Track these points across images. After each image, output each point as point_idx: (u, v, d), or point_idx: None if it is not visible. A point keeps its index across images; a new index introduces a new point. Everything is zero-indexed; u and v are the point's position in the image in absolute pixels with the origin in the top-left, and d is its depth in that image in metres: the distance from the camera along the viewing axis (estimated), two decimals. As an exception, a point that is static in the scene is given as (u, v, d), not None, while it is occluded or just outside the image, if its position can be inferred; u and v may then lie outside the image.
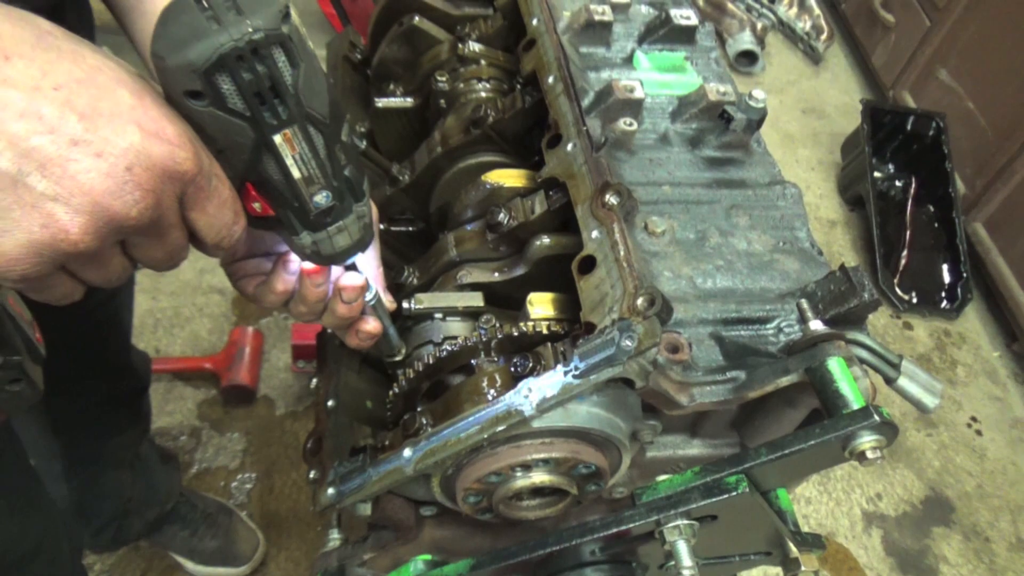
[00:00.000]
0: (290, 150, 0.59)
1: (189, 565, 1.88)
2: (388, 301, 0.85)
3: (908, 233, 2.94)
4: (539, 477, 0.80)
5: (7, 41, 0.48)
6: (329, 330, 0.91)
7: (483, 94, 1.10)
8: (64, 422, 1.39)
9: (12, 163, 0.48)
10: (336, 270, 0.76)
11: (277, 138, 0.58)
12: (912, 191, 3.04)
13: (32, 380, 0.63)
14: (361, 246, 0.72)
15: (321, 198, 0.64)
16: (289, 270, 0.74)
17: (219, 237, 0.61)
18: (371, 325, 0.82)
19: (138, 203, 0.52)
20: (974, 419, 2.58)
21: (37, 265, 0.51)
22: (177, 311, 2.35)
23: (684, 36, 1.12)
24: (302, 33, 0.57)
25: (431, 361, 0.87)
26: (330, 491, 0.85)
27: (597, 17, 1.06)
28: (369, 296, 0.80)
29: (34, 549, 1.07)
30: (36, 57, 0.49)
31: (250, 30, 0.52)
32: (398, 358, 0.93)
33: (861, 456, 0.69)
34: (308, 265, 0.73)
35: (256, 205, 0.63)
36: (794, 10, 3.75)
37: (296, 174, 0.61)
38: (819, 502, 2.29)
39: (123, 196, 0.51)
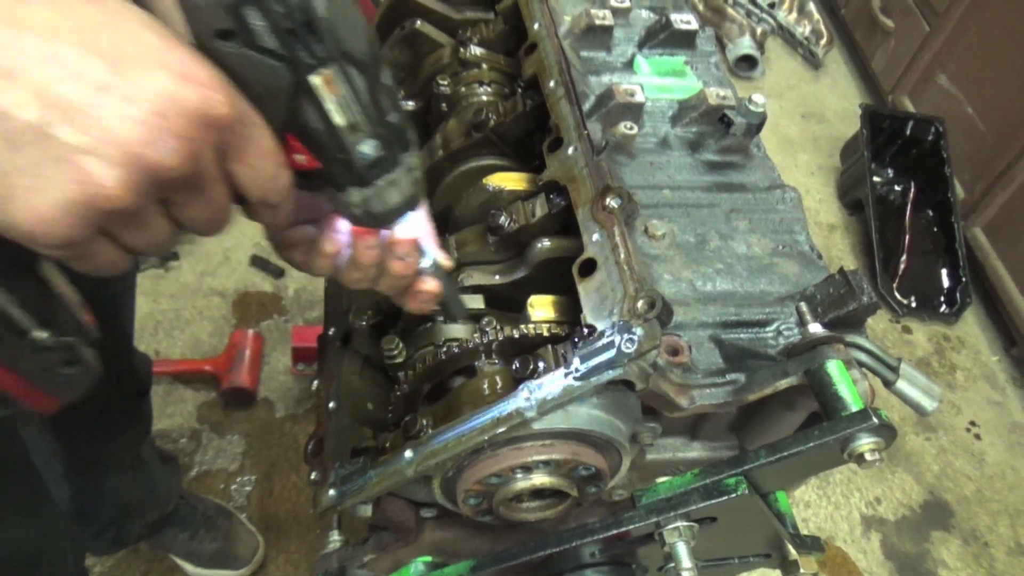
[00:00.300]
0: (330, 93, 0.55)
1: (189, 567, 1.88)
2: (445, 260, 0.80)
3: (907, 237, 2.95)
4: (539, 479, 0.80)
5: None
6: (385, 294, 0.82)
7: (484, 98, 1.11)
8: (65, 424, 1.39)
9: (38, 114, 0.44)
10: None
11: (315, 79, 0.54)
12: (911, 196, 3.04)
13: (87, 362, 0.60)
14: (413, 203, 0.67)
15: (367, 147, 0.59)
16: (337, 229, 0.69)
17: (264, 191, 0.56)
18: (431, 285, 0.77)
19: (175, 152, 0.48)
20: (973, 423, 2.58)
21: (75, 227, 0.47)
22: (178, 314, 2.35)
23: (684, 41, 1.13)
24: None
25: (432, 363, 0.87)
26: (331, 492, 0.86)
27: (598, 22, 1.07)
28: (426, 262, 0.76)
29: (37, 552, 1.07)
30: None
31: None
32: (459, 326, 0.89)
33: (860, 458, 0.70)
34: None
35: (300, 157, 0.58)
36: (794, 15, 3.77)
37: (338, 120, 0.56)
38: (818, 506, 2.29)
39: (158, 144, 0.47)
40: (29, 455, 1.10)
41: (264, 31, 0.51)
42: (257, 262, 2.49)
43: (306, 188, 0.62)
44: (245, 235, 2.55)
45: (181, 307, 2.37)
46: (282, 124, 0.56)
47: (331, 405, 0.96)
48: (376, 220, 0.65)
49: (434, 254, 0.77)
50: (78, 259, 0.51)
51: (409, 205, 0.66)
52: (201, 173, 0.51)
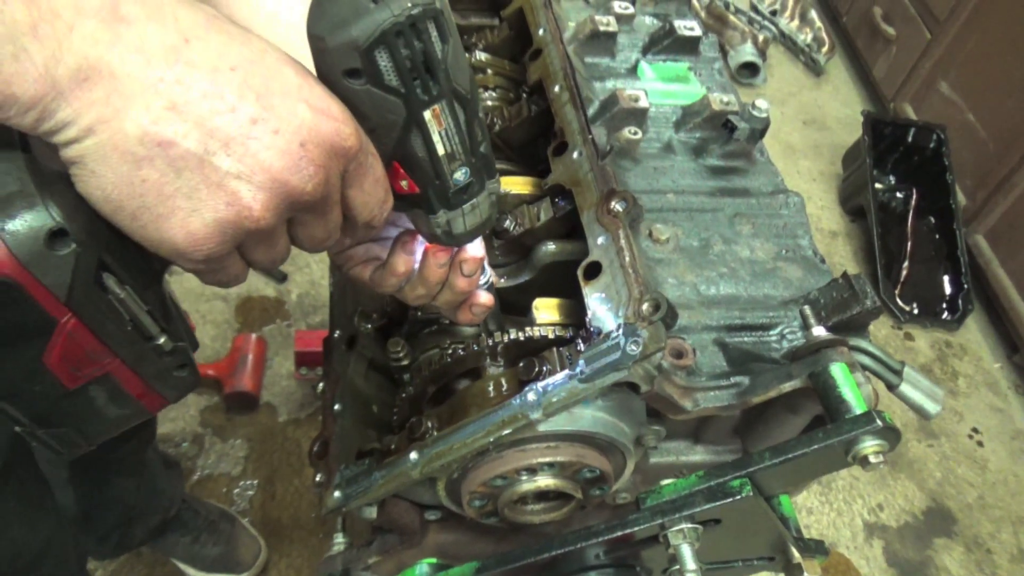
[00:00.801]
0: (437, 126, 0.60)
1: (191, 572, 1.88)
2: (493, 276, 0.84)
3: (909, 244, 2.95)
4: (544, 481, 0.81)
5: (184, 24, 0.50)
6: (428, 307, 0.87)
7: (490, 103, 1.11)
8: None
9: (198, 143, 0.49)
10: None
11: (427, 114, 0.59)
12: (913, 202, 3.05)
13: (194, 367, 0.65)
14: (488, 225, 0.72)
15: (460, 175, 0.64)
16: (409, 251, 0.73)
17: (371, 215, 0.62)
18: (485, 298, 0.81)
19: (312, 178, 0.53)
20: (975, 430, 2.58)
21: (221, 244, 0.53)
22: (181, 318, 2.36)
23: (688, 47, 1.13)
24: (448, 8, 0.58)
25: (437, 365, 0.88)
26: (336, 494, 0.86)
27: (602, 28, 1.08)
28: (483, 279, 0.80)
29: (42, 553, 1.07)
30: (210, 39, 0.50)
31: (409, 5, 0.54)
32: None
33: (864, 461, 0.70)
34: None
35: (403, 183, 0.63)
36: (795, 23, 3.78)
37: (440, 151, 0.61)
38: (821, 512, 2.29)
39: (299, 172, 0.52)
40: (33, 457, 1.11)
41: (389, 71, 0.55)
42: (260, 267, 2.49)
43: (400, 209, 0.66)
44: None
45: (184, 311, 2.38)
46: (391, 153, 0.61)
47: (336, 407, 0.96)
48: (455, 240, 0.70)
49: (487, 270, 0.81)
50: (211, 272, 0.57)
51: (485, 227, 0.71)
52: (328, 197, 0.56)
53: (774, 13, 3.76)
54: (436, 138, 0.60)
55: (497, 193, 0.71)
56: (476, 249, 0.74)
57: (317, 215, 0.58)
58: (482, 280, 0.80)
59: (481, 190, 0.68)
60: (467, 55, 1.12)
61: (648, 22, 1.18)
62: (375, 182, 0.60)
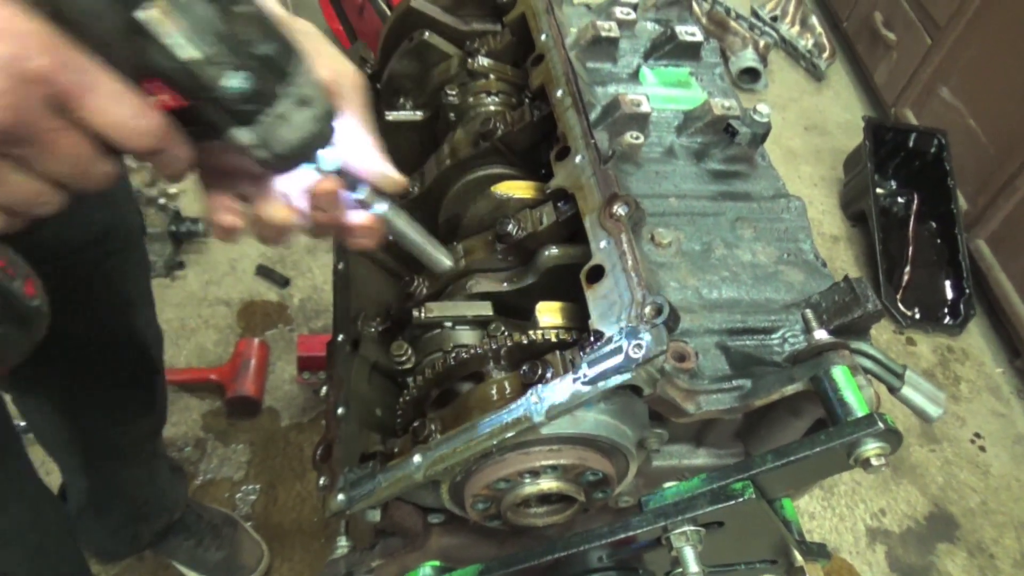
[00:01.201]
0: (170, 27, 0.51)
1: (193, 576, 1.88)
2: (395, 177, 0.73)
3: (911, 249, 2.95)
4: (547, 483, 0.81)
5: None
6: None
7: (492, 108, 1.12)
8: (76, 401, 1.36)
9: None
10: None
11: (144, 15, 0.50)
12: (914, 207, 3.05)
13: (14, 324, 0.59)
14: (320, 140, 0.63)
15: (236, 81, 0.55)
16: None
17: (127, 136, 0.54)
18: (358, 218, 0.72)
19: None
20: (977, 435, 2.58)
21: None
22: (183, 323, 2.37)
23: (689, 52, 1.14)
24: None
25: (441, 369, 0.88)
26: (340, 497, 0.86)
27: (604, 33, 1.08)
28: (382, 207, 0.71)
29: (17, 532, 1.07)
30: None
31: None
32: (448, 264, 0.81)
33: (866, 463, 0.70)
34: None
35: (166, 98, 0.55)
36: (796, 28, 3.79)
37: (189, 55, 0.52)
38: (823, 517, 2.29)
39: None
40: (11, 424, 1.10)
41: None
42: (262, 271, 2.50)
43: (195, 135, 0.59)
44: (251, 245, 2.56)
45: (186, 316, 2.38)
46: (134, 67, 0.53)
47: (340, 411, 0.96)
48: (282, 160, 0.61)
49: (372, 177, 0.71)
50: None
51: (313, 142, 0.62)
52: (31, 127, 0.50)
53: (775, 19, 3.77)
54: (174, 41, 0.52)
55: (315, 101, 0.61)
56: (320, 183, 0.67)
57: (32, 148, 0.51)
58: (382, 207, 0.71)
59: (277, 98, 0.58)
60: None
61: (650, 27, 1.19)
62: (111, 99, 0.52)
